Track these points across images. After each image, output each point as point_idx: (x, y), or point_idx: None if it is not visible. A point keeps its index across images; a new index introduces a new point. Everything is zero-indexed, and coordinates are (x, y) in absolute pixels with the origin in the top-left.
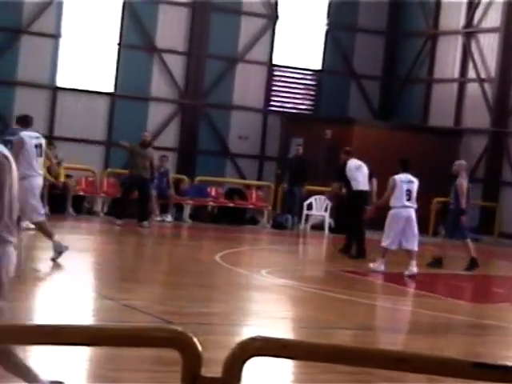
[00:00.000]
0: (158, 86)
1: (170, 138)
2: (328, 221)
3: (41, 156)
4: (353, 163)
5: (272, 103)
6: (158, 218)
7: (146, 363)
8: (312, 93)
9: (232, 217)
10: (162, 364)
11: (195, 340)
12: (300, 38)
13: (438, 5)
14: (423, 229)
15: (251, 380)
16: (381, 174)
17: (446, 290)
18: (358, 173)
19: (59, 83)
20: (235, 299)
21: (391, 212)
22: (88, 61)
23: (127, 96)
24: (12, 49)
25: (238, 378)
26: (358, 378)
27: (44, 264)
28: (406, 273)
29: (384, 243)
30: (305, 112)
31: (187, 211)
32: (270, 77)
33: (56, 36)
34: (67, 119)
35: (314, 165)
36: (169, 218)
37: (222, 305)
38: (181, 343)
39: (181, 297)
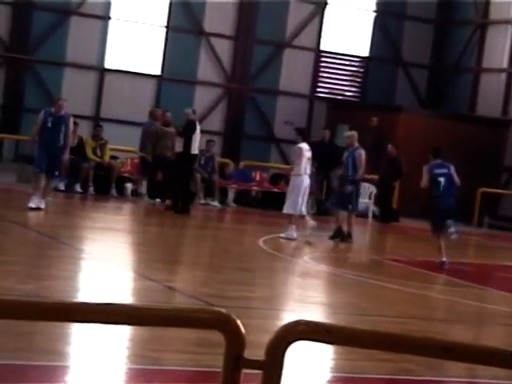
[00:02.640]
0: (205, 69)
1: (216, 122)
2: (372, 208)
3: None
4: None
5: (318, 89)
6: (202, 201)
7: (188, 345)
8: (359, 80)
9: (276, 202)
10: (204, 346)
11: (239, 322)
12: (348, 24)
13: None
14: (466, 218)
15: (292, 365)
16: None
17: (490, 280)
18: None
19: (107, 65)
20: (278, 284)
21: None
22: (136, 43)
23: (174, 79)
24: (61, 30)
25: (281, 361)
26: (400, 367)
27: (86, 243)
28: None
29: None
30: (351, 99)
31: (231, 195)
32: (317, 63)
33: (105, 18)
34: (114, 101)
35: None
36: (215, 202)
37: (265, 289)
38: (225, 325)
39: (224, 280)
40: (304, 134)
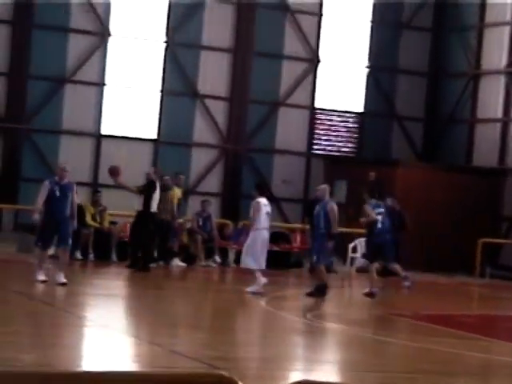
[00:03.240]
0: (201, 131)
1: (213, 182)
2: None
3: None
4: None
5: (315, 146)
6: (203, 263)
7: None
8: (355, 135)
9: (277, 261)
10: None
11: None
12: (341, 80)
13: (480, 44)
14: (468, 269)
15: None
16: (426, 214)
17: (496, 331)
18: None
19: (103, 131)
20: (282, 344)
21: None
22: (131, 108)
23: (170, 142)
24: (57, 98)
25: None
26: None
27: (88, 310)
28: None
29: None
30: (348, 154)
31: (232, 255)
32: (313, 120)
33: (100, 84)
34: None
35: (359, 207)
36: (215, 261)
37: (269, 349)
38: None
39: (227, 341)
40: (261, 189)
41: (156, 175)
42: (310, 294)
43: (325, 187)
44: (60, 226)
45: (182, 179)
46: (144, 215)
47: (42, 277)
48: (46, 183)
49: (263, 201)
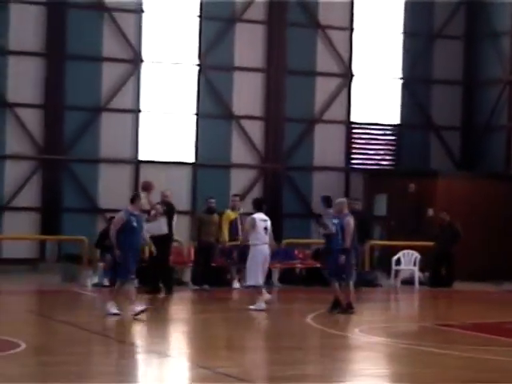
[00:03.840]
0: (239, 152)
1: None
2: (418, 275)
3: None
4: None
5: (353, 161)
6: (237, 285)
7: None
8: (392, 147)
9: (321, 277)
10: None
11: None
12: (376, 93)
13: None
14: (509, 278)
15: None
16: (469, 223)
17: None
18: None
19: (141, 157)
20: (331, 360)
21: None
22: (168, 133)
23: (208, 165)
24: (93, 127)
25: None
26: None
27: (136, 337)
28: None
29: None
30: (387, 167)
31: (276, 275)
32: (349, 135)
33: (135, 111)
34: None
35: (400, 219)
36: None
37: (318, 366)
38: None
39: (276, 361)
40: (258, 205)
41: (170, 198)
42: (329, 311)
43: (342, 201)
44: (135, 259)
45: (237, 202)
46: (167, 238)
47: (115, 310)
48: (122, 214)
49: (259, 216)
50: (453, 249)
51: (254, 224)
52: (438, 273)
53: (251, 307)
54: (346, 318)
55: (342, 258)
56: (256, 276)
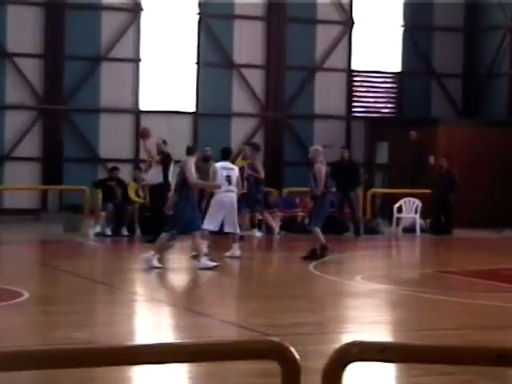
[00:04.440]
0: (239, 101)
1: None
2: (419, 222)
3: None
4: None
5: (354, 109)
6: (249, 232)
7: (247, 376)
8: (394, 95)
9: (323, 225)
10: (263, 376)
11: (292, 350)
12: (377, 41)
13: None
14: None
15: None
16: (470, 170)
17: None
18: None
19: (142, 107)
20: (331, 307)
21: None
22: (168, 82)
23: (209, 114)
24: (93, 76)
25: None
26: (461, 379)
27: (139, 286)
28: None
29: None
30: (388, 115)
31: (277, 223)
32: (350, 83)
33: (135, 60)
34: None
35: (401, 167)
36: (258, 232)
37: (318, 314)
38: (279, 354)
39: (276, 308)
40: (224, 154)
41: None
42: (304, 258)
43: (317, 148)
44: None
45: (247, 151)
46: (163, 187)
47: (158, 263)
48: (189, 164)
49: (222, 164)
50: (450, 196)
51: (215, 172)
52: (438, 220)
53: (227, 254)
54: (347, 266)
55: (311, 203)
56: (210, 221)
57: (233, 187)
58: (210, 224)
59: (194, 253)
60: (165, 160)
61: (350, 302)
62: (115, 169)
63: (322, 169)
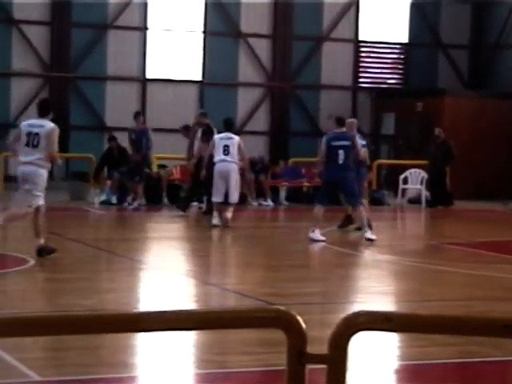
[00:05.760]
0: (246, 70)
1: (260, 121)
2: (425, 193)
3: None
4: None
5: (361, 80)
6: (255, 203)
7: (251, 345)
8: (400, 66)
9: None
10: (267, 345)
11: (298, 318)
12: (384, 12)
13: None
14: None
15: (358, 357)
16: (475, 142)
17: None
18: None
19: (148, 75)
20: (336, 277)
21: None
22: (175, 51)
23: (215, 83)
24: (100, 44)
25: (344, 353)
26: (466, 349)
27: (144, 255)
28: None
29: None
30: (394, 86)
31: (283, 194)
32: (357, 53)
33: (142, 28)
34: (158, 110)
35: (407, 138)
36: (267, 202)
37: (324, 283)
38: (284, 322)
39: (282, 278)
40: (225, 125)
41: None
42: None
43: (351, 121)
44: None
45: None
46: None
47: (321, 236)
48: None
49: (222, 135)
50: (445, 168)
51: (213, 144)
52: (436, 192)
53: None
54: (353, 236)
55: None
56: (215, 193)
57: (229, 157)
58: (215, 196)
59: (356, 224)
60: (207, 131)
61: (353, 272)
62: (113, 139)
63: (358, 141)
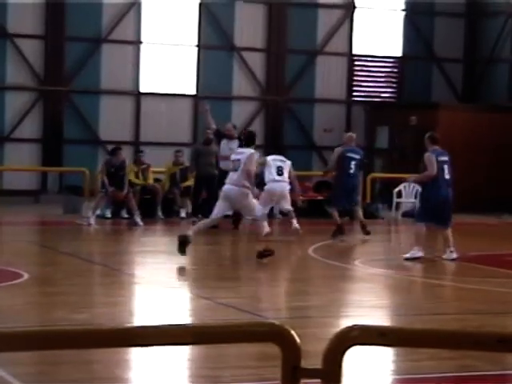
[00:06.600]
0: (240, 84)
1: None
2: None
3: None
4: None
5: (355, 93)
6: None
7: (246, 359)
8: (394, 80)
9: (322, 209)
10: (262, 359)
11: (293, 333)
12: (378, 25)
13: None
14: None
15: (352, 371)
16: (470, 155)
17: None
18: None
19: (142, 89)
20: (330, 291)
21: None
22: (169, 64)
23: (209, 97)
24: (94, 58)
25: (339, 368)
26: (461, 363)
27: (138, 268)
28: None
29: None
30: (388, 100)
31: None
32: (351, 67)
33: (136, 42)
34: (152, 124)
35: (402, 151)
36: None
37: (318, 297)
38: (279, 337)
39: (276, 292)
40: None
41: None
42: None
43: (350, 135)
44: None
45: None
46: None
47: (420, 253)
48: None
49: (273, 157)
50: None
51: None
52: None
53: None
54: (347, 250)
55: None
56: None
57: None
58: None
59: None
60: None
61: (348, 286)
62: (117, 150)
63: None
